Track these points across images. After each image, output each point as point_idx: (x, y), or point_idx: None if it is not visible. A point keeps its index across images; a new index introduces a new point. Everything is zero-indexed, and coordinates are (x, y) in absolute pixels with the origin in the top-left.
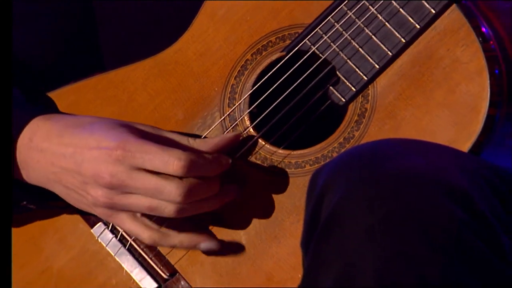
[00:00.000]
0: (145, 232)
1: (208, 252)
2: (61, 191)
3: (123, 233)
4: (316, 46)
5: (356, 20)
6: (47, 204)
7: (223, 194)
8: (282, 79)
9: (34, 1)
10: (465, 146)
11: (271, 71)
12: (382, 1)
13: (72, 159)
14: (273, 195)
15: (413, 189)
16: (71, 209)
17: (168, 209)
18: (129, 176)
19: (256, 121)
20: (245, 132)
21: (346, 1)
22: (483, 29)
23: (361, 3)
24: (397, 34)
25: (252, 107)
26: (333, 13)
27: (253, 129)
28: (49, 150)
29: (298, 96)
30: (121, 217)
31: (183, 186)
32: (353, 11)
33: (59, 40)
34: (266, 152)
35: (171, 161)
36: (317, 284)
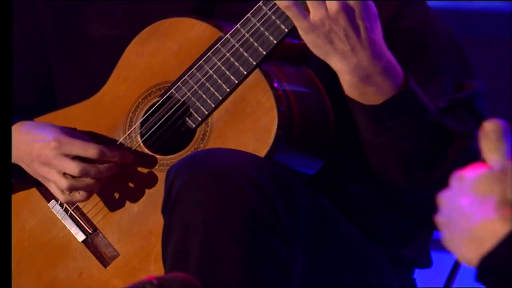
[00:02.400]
0: (60, 195)
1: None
2: (25, 166)
3: (66, 206)
4: (177, 93)
5: (200, 77)
6: (20, 179)
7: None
8: (159, 113)
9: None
10: (262, 153)
11: (152, 108)
12: (217, 66)
13: (28, 147)
14: (153, 183)
15: (226, 178)
16: (38, 189)
17: (72, 185)
18: (55, 158)
19: (143, 138)
20: (137, 145)
21: (196, 66)
22: (275, 84)
23: (203, 68)
24: (224, 86)
25: (141, 129)
26: (188, 73)
27: (142, 143)
28: (18, 142)
29: (168, 123)
30: (50, 184)
31: (80, 165)
32: (198, 71)
33: (28, 95)
34: (149, 156)
35: (89, 150)
36: (169, 239)
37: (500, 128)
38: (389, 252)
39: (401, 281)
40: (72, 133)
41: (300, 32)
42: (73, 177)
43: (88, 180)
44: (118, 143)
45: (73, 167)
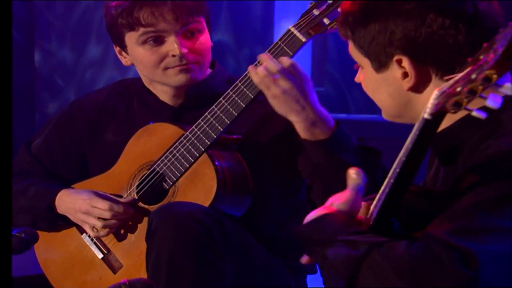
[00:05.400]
0: (91, 232)
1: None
2: (70, 216)
3: (92, 237)
4: (158, 167)
5: (171, 158)
6: (66, 223)
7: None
8: (147, 180)
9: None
10: (207, 204)
11: (143, 177)
12: (180, 151)
13: (72, 203)
14: (143, 222)
15: (183, 220)
16: (75, 227)
17: (98, 225)
18: (91, 209)
19: (138, 195)
20: (136, 201)
21: (169, 151)
22: (216, 162)
23: (173, 153)
24: (186, 163)
25: (137, 190)
26: (164, 155)
27: (138, 199)
28: (65, 201)
29: (152, 186)
30: (86, 225)
31: (109, 214)
32: (170, 154)
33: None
34: (141, 206)
35: (103, 205)
36: (149, 257)
37: (357, 172)
38: (289, 263)
39: (298, 283)
40: (100, 194)
41: (268, 99)
42: (103, 220)
43: (112, 222)
44: (123, 198)
45: (108, 213)
